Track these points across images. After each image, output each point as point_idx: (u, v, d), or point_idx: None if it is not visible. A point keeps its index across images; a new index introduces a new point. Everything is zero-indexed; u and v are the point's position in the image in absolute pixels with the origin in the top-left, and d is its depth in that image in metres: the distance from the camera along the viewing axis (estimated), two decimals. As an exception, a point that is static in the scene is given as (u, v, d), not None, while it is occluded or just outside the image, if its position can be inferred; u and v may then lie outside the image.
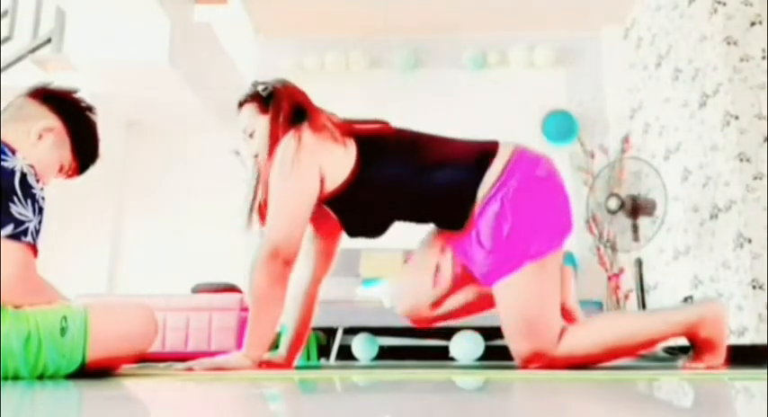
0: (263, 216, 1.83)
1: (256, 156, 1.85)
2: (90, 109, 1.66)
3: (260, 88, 1.88)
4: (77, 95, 1.66)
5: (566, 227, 1.74)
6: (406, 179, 1.73)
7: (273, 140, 1.78)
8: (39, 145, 1.55)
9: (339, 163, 1.74)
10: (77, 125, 1.63)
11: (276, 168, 1.72)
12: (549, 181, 1.73)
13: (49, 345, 1.37)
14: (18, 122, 1.55)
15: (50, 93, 1.62)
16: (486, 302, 1.88)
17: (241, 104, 1.90)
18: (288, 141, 1.73)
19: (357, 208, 1.79)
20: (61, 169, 1.63)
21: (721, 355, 1.72)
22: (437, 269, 1.86)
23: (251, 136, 1.85)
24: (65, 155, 1.62)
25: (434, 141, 1.81)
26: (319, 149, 1.73)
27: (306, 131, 1.74)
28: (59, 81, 1.71)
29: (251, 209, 1.85)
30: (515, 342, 1.71)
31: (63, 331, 1.38)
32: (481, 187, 1.70)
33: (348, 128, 1.80)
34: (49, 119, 1.57)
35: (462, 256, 1.80)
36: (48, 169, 1.59)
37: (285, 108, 1.82)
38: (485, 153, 1.74)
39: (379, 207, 1.79)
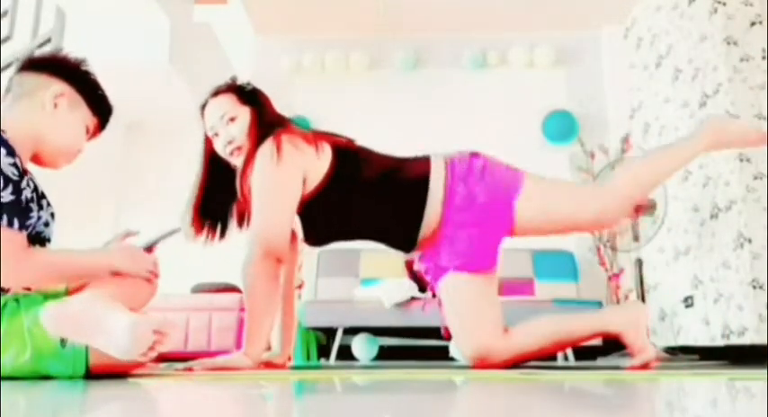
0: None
1: (230, 142, 1.88)
2: (82, 62, 1.61)
3: (241, 82, 1.98)
4: (65, 55, 1.62)
5: (509, 204, 1.79)
6: (373, 195, 1.81)
7: (254, 130, 1.85)
8: (57, 113, 1.51)
9: (316, 165, 1.80)
10: (82, 82, 1.58)
11: (260, 168, 1.77)
12: (484, 180, 1.80)
13: (50, 357, 1.34)
14: (26, 98, 1.50)
15: (42, 62, 1.57)
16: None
17: (216, 93, 1.95)
18: (270, 144, 1.78)
19: (327, 213, 1.83)
20: (87, 130, 1.60)
21: (648, 353, 1.76)
22: None
23: (231, 120, 1.88)
24: (85, 114, 1.58)
25: (385, 160, 1.88)
26: (299, 151, 1.78)
27: (285, 135, 1.80)
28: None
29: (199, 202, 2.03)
30: (459, 342, 1.80)
31: (63, 342, 1.35)
32: (430, 204, 1.78)
33: (319, 137, 1.86)
34: (55, 86, 1.53)
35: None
36: (77, 134, 1.56)
37: (269, 105, 1.96)
38: (423, 171, 1.82)
39: (351, 214, 1.83)
